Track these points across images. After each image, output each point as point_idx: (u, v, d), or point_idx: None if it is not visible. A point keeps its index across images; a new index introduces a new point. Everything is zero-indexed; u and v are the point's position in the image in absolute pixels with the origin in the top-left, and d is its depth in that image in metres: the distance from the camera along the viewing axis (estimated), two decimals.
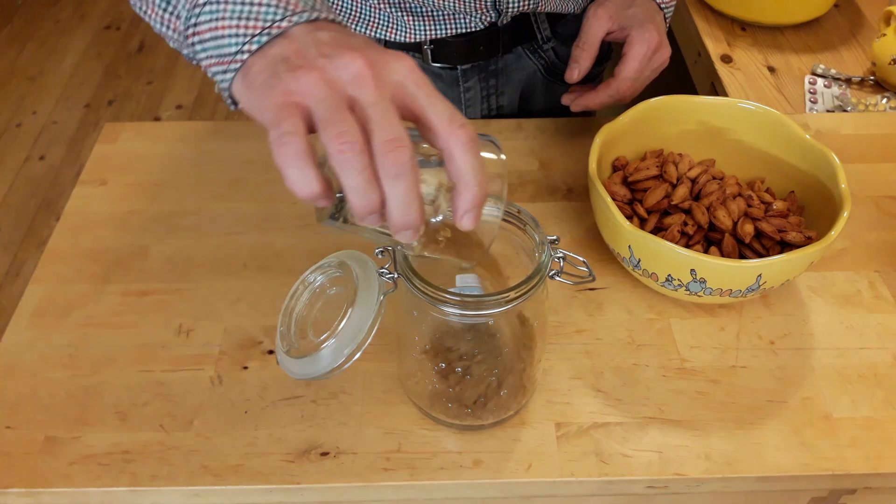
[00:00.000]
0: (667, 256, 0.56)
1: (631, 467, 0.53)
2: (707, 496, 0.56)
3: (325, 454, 0.54)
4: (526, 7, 0.74)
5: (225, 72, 0.44)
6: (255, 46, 0.42)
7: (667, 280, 0.58)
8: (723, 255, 0.60)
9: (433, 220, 0.42)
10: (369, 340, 0.48)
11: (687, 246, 0.60)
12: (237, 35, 0.43)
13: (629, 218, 0.61)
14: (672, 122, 0.68)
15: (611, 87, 0.71)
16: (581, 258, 0.51)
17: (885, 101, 1.09)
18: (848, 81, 1.14)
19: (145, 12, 0.51)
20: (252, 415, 0.56)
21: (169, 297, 0.64)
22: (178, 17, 0.48)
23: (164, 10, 0.49)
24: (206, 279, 0.65)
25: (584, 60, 0.72)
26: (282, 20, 0.42)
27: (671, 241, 0.57)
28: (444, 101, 0.40)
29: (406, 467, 0.53)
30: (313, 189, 0.38)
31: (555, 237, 0.50)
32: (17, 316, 0.63)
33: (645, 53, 0.70)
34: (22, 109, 2.28)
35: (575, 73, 0.72)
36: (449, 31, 0.76)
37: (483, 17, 0.75)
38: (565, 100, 0.75)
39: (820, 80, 1.13)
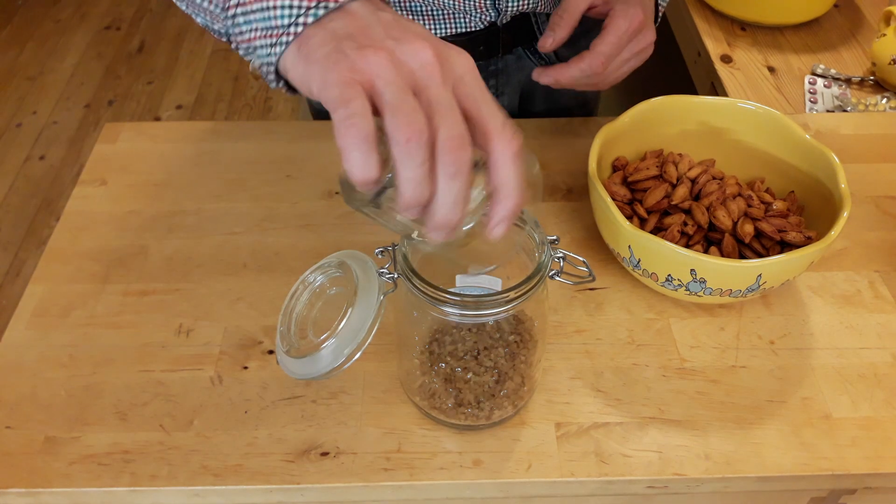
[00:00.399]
0: (667, 256, 0.56)
1: (631, 467, 0.53)
2: (707, 496, 0.56)
3: (325, 454, 0.54)
4: (525, 6, 0.74)
5: (273, 45, 0.43)
6: (311, 19, 0.41)
7: (667, 280, 0.58)
8: (723, 255, 0.60)
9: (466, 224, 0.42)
10: (369, 340, 0.48)
11: (687, 246, 0.60)
12: (291, 6, 0.42)
13: (629, 218, 0.61)
14: (672, 122, 0.68)
15: (583, 61, 0.65)
16: (581, 258, 0.51)
17: (884, 101, 1.09)
18: (848, 81, 1.14)
19: None
20: (252, 415, 0.56)
21: (169, 297, 0.64)
22: None
23: None
24: (206, 279, 0.65)
25: (560, 29, 0.66)
26: None
27: (671, 241, 0.57)
28: (498, 106, 0.40)
29: (406, 467, 0.53)
30: (372, 175, 0.37)
31: (555, 237, 0.50)
32: (17, 316, 0.63)
33: (626, 29, 0.64)
34: (22, 109, 2.28)
35: (549, 41, 0.66)
36: (449, 31, 0.76)
37: (482, 16, 0.75)
38: (535, 73, 0.69)
39: (820, 80, 1.13)
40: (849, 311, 0.63)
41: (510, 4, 0.73)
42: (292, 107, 2.30)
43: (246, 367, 0.59)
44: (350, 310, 0.48)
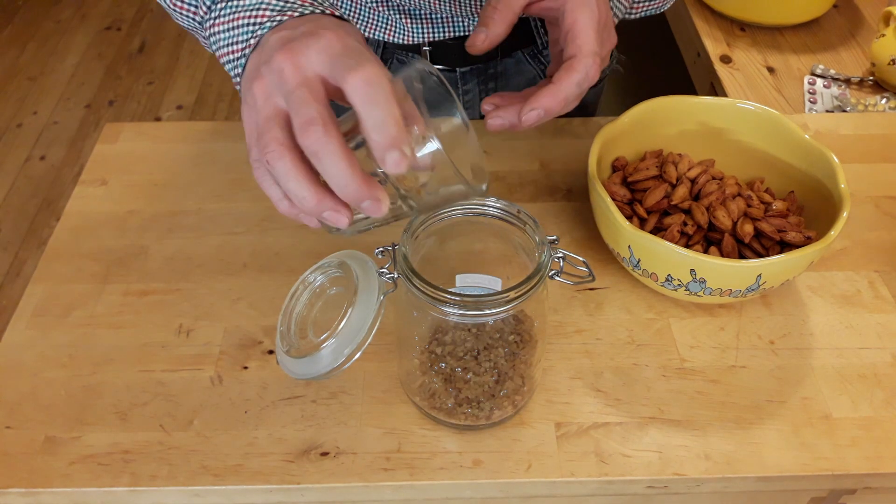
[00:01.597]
0: (666, 256, 0.56)
1: (631, 467, 0.53)
2: (707, 496, 0.56)
3: (325, 454, 0.54)
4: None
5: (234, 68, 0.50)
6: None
7: (666, 280, 0.58)
8: (722, 255, 0.60)
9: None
10: (369, 340, 0.48)
11: (687, 246, 0.60)
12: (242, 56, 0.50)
13: (629, 218, 0.61)
14: (671, 122, 0.68)
15: (576, 70, 0.51)
16: (581, 258, 0.51)
17: (884, 101, 1.09)
18: (847, 82, 1.14)
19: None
20: (252, 415, 0.56)
21: (169, 297, 0.64)
22: None
23: None
24: (206, 279, 0.65)
25: (494, 24, 0.53)
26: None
27: (671, 241, 0.57)
28: (348, 58, 0.40)
29: (406, 467, 0.53)
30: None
31: (555, 237, 0.50)
32: (17, 316, 0.63)
33: (597, 20, 0.52)
34: (23, 109, 2.28)
35: (480, 36, 0.54)
36: (447, 34, 0.76)
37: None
38: (486, 107, 0.56)
39: (819, 81, 1.13)
40: (849, 311, 0.63)
41: None
42: None
43: (246, 367, 0.59)
44: (350, 310, 0.48)
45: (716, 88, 1.18)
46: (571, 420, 0.56)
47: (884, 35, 1.11)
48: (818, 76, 1.14)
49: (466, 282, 0.56)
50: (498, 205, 0.51)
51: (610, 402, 0.57)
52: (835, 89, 1.12)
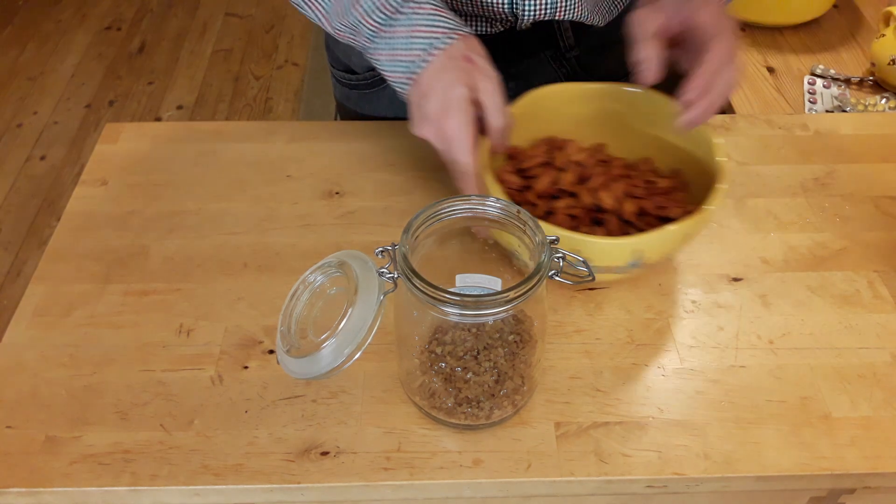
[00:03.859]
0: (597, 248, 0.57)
1: (630, 467, 0.53)
2: (706, 496, 0.57)
3: (325, 454, 0.54)
4: (542, 15, 0.73)
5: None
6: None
7: None
8: (609, 234, 0.62)
9: None
10: (369, 340, 0.48)
11: (575, 228, 0.61)
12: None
13: (521, 205, 0.63)
14: (565, 109, 0.70)
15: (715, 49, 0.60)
16: (580, 258, 0.51)
17: (884, 101, 1.10)
18: (847, 82, 1.14)
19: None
20: (252, 414, 0.56)
21: (169, 297, 0.64)
22: None
23: None
24: (207, 279, 0.66)
25: (649, 58, 0.62)
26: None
27: (557, 224, 0.58)
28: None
29: (406, 467, 0.53)
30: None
31: (554, 237, 0.50)
32: (17, 316, 0.63)
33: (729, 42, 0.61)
34: (23, 109, 2.28)
35: (651, 68, 0.62)
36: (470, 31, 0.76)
37: (503, 21, 0.74)
38: (684, 121, 0.62)
39: (819, 81, 1.14)
40: (848, 311, 0.63)
41: (528, 12, 0.73)
42: (292, 107, 2.30)
43: (246, 367, 0.59)
44: (350, 310, 0.48)
45: None
46: (571, 420, 0.56)
47: (884, 35, 1.11)
48: (818, 76, 1.14)
49: (466, 282, 0.56)
50: (498, 205, 0.52)
51: (609, 402, 0.57)
52: (835, 89, 1.12)
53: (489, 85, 0.60)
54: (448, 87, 0.58)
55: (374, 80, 0.84)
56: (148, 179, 0.75)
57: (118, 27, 2.62)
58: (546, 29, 0.78)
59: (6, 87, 2.35)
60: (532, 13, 0.72)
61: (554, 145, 0.68)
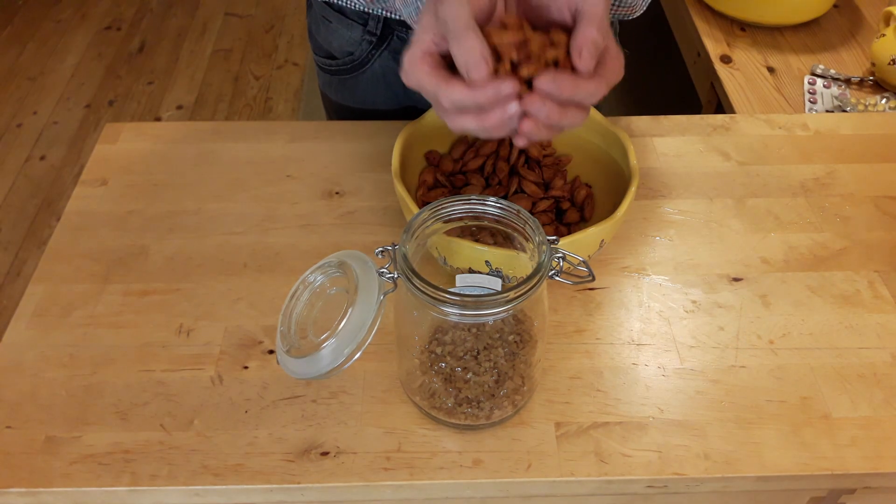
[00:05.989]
0: (463, 252, 0.57)
1: (630, 467, 0.53)
2: (706, 496, 0.56)
3: (325, 454, 0.54)
4: None
5: None
6: None
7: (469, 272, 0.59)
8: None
9: None
10: (369, 340, 0.48)
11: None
12: None
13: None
14: None
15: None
16: (580, 258, 0.51)
17: (884, 101, 1.10)
18: (847, 82, 1.14)
19: None
20: (252, 414, 0.56)
21: (169, 297, 0.64)
22: None
23: None
24: (207, 279, 0.65)
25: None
26: None
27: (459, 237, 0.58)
28: None
29: (406, 467, 0.53)
30: None
31: (554, 237, 0.50)
32: (17, 316, 0.63)
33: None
34: (23, 109, 2.28)
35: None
36: None
37: None
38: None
39: (819, 81, 1.14)
40: (848, 311, 0.63)
41: None
42: (292, 107, 2.30)
43: (246, 367, 0.59)
44: (350, 310, 0.48)
45: (716, 88, 1.18)
46: (571, 420, 0.56)
47: (884, 35, 1.11)
48: (818, 76, 1.14)
49: (466, 282, 0.56)
50: (498, 205, 0.51)
51: (610, 402, 0.57)
52: (835, 89, 1.12)
53: None
54: None
55: (353, 65, 0.84)
56: (148, 179, 0.75)
57: (118, 27, 2.62)
58: None
59: (6, 87, 2.35)
60: None
61: (471, 145, 0.71)
